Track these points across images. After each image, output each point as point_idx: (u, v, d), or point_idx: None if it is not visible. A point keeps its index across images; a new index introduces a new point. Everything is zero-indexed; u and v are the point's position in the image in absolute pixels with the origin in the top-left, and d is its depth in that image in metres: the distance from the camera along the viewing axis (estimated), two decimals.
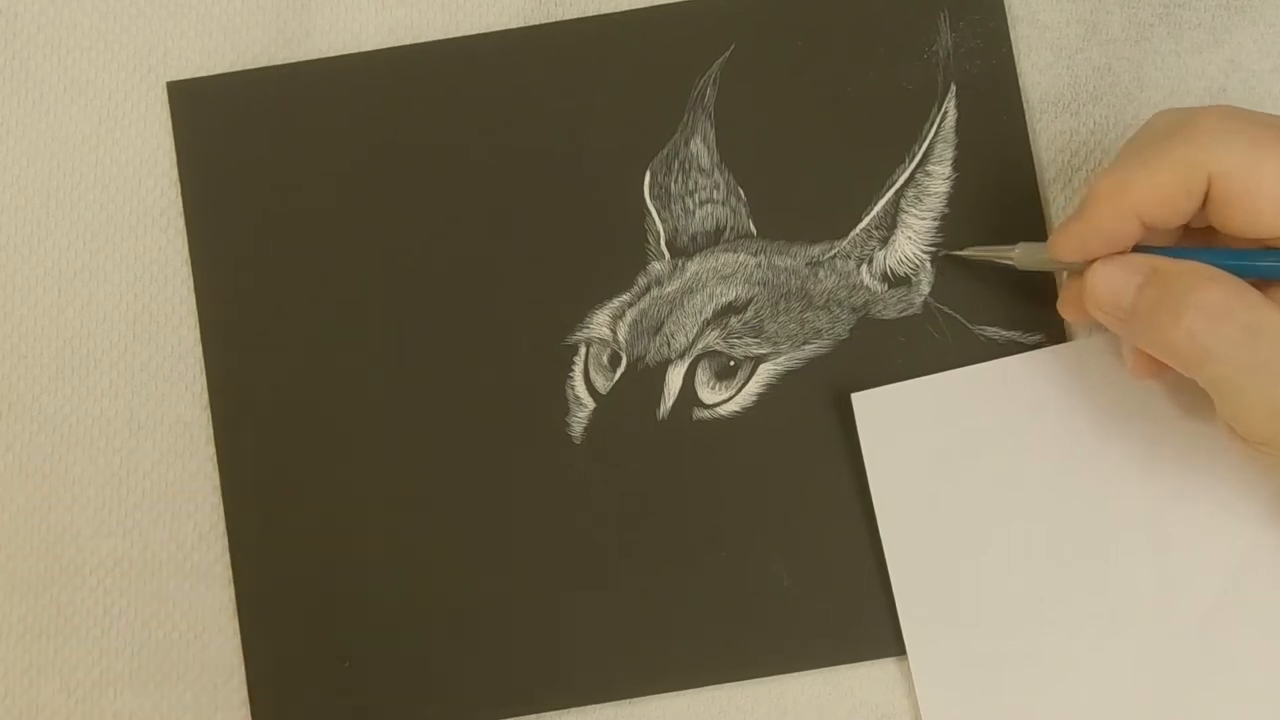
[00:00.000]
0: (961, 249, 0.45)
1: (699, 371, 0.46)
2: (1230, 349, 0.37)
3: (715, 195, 0.47)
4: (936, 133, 0.47)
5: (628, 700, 0.46)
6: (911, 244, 0.46)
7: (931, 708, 0.44)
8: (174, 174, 0.48)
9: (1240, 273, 0.38)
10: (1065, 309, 0.43)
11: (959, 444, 0.45)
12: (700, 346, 0.46)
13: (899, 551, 0.45)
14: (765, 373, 0.46)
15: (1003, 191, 0.46)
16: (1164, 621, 0.44)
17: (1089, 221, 0.40)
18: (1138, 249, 0.40)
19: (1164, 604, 0.44)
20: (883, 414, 0.45)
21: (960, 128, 0.47)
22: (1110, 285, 0.39)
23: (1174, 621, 0.44)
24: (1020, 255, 0.43)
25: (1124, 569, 0.44)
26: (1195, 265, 0.38)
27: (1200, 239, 0.40)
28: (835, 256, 0.46)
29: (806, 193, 0.47)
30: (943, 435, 0.45)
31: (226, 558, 0.46)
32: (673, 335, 0.46)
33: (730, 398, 0.46)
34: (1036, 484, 0.45)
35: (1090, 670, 0.44)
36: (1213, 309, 0.37)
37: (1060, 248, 0.41)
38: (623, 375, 0.46)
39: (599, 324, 0.46)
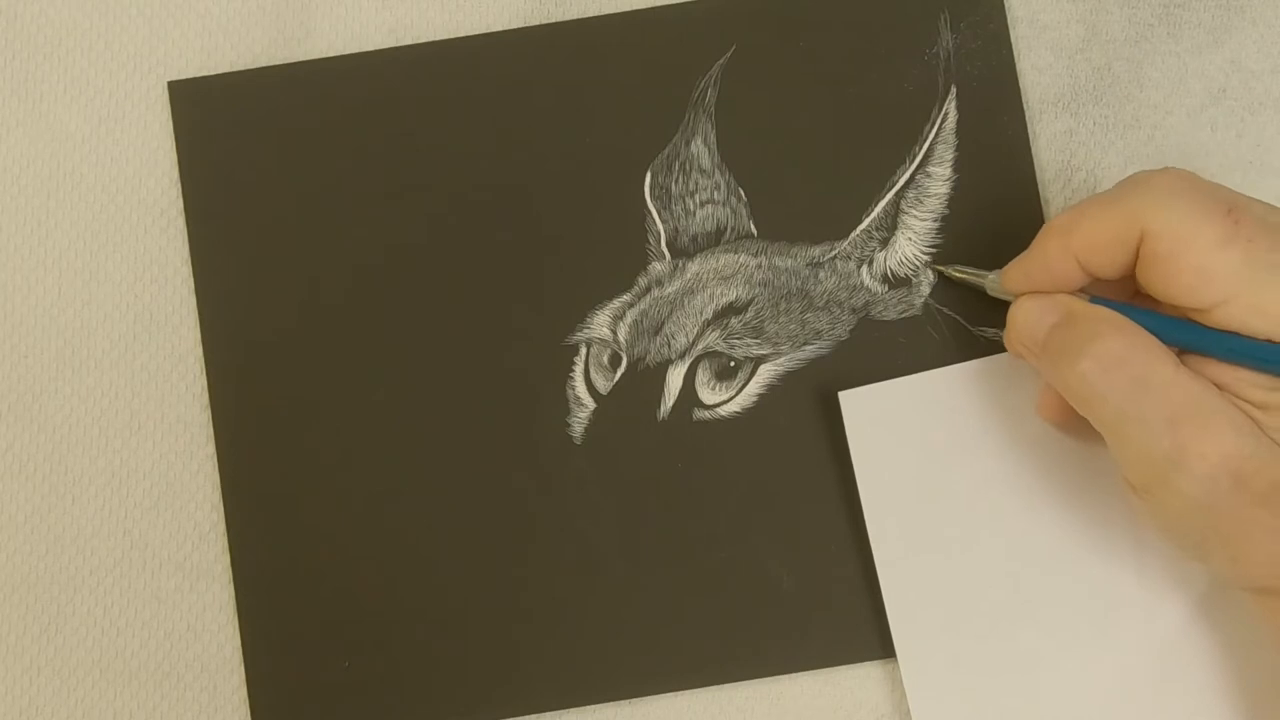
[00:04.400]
0: (947, 265, 0.46)
1: (699, 372, 0.46)
2: (1118, 396, 0.38)
3: (716, 196, 0.47)
4: (937, 134, 0.47)
5: (628, 700, 0.46)
6: (912, 245, 0.46)
7: (921, 708, 0.44)
8: (174, 174, 0.48)
9: (1169, 339, 0.39)
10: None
11: (948, 442, 0.45)
12: (700, 347, 0.46)
13: (887, 550, 0.45)
14: (765, 373, 0.46)
15: (1003, 193, 0.47)
16: (1153, 621, 0.44)
17: (1034, 256, 0.41)
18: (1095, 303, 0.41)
19: (1152, 603, 0.44)
20: (871, 412, 0.45)
21: (960, 129, 0.47)
22: (1027, 319, 0.41)
23: (1163, 621, 0.44)
24: (990, 282, 0.44)
25: (1111, 568, 0.44)
26: (1104, 311, 0.39)
27: (1150, 306, 0.40)
28: (835, 257, 0.47)
29: (807, 194, 0.47)
30: (932, 433, 0.45)
31: (226, 557, 0.46)
32: (673, 336, 0.46)
33: (730, 398, 0.46)
34: (1026, 482, 0.45)
35: (1081, 670, 0.44)
36: (1108, 356, 0.38)
37: (1009, 278, 0.42)
38: (623, 376, 0.46)
39: (599, 324, 0.46)
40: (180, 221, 0.48)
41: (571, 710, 0.46)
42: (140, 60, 0.48)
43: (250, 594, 0.46)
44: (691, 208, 0.47)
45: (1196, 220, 0.37)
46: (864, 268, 0.46)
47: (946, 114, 0.47)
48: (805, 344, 0.46)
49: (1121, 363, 0.38)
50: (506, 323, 0.47)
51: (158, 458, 0.47)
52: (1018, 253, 0.42)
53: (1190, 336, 0.38)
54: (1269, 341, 0.37)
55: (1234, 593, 0.40)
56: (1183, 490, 0.37)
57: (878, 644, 0.45)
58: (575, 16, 0.48)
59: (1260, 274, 0.37)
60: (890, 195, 0.47)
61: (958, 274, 0.45)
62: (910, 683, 0.44)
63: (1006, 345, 0.42)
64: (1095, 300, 0.40)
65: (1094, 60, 0.48)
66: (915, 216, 0.46)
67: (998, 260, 0.43)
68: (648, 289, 0.47)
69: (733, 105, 0.47)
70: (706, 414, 0.46)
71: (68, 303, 0.48)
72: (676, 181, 0.47)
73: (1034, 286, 0.41)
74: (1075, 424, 0.41)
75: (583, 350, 0.46)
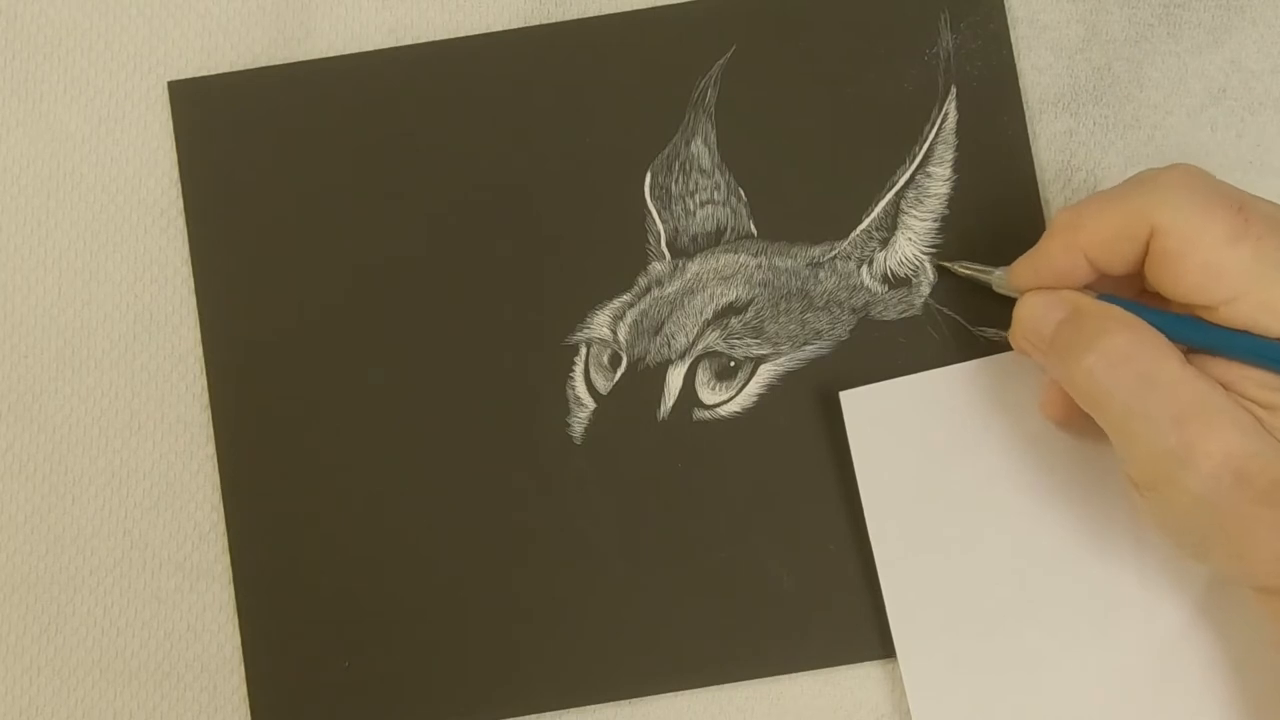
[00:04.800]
0: (953, 261, 0.46)
1: (699, 372, 0.46)
2: (1124, 393, 0.38)
3: (716, 196, 0.47)
4: (937, 134, 0.47)
5: (628, 700, 0.46)
6: (912, 245, 0.46)
7: (921, 708, 0.44)
8: (174, 174, 0.48)
9: (1176, 336, 0.39)
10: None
11: (949, 442, 0.45)
12: (701, 347, 0.46)
13: (887, 550, 0.45)
14: (765, 373, 0.46)
15: (1003, 193, 0.47)
16: (1153, 621, 0.44)
17: (1042, 252, 0.41)
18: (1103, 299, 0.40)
19: (1152, 603, 0.44)
20: (872, 412, 0.45)
21: (960, 129, 0.47)
22: (1034, 315, 0.41)
23: (1163, 621, 0.44)
24: (997, 279, 0.44)
25: (1112, 568, 0.44)
26: (1111, 308, 0.39)
27: (1159, 303, 0.40)
28: (835, 257, 0.47)
29: (807, 194, 0.47)
30: (932, 433, 0.45)
31: (226, 557, 0.46)
32: (673, 336, 0.46)
33: (730, 398, 0.46)
34: (1026, 482, 0.45)
35: (1082, 670, 0.44)
36: (1115, 353, 0.38)
37: (1016, 275, 0.42)
38: (623, 376, 0.46)
39: (599, 324, 0.46)
40: (180, 221, 0.48)
41: (571, 710, 0.46)
42: (140, 60, 0.48)
43: (250, 594, 0.46)
44: (691, 208, 0.47)
45: (1205, 217, 0.37)
46: (864, 268, 0.46)
47: (946, 114, 0.47)
48: (805, 344, 0.46)
49: (1128, 359, 0.38)
50: (507, 323, 0.47)
51: (158, 458, 0.47)
52: (1019, 253, 0.42)
53: (1198, 334, 0.38)
54: (1278, 341, 0.37)
55: (1235, 592, 0.40)
56: (1187, 488, 0.37)
57: (878, 644, 0.45)
58: (575, 16, 0.48)
59: (1269, 271, 0.37)
60: (890, 195, 0.47)
61: (963, 270, 0.45)
62: (910, 683, 0.44)
63: (1011, 341, 0.42)
64: (1103, 297, 0.40)
65: (1094, 60, 0.48)
66: (915, 216, 0.46)
67: (998, 260, 0.43)
68: (648, 289, 0.47)
69: (733, 105, 0.47)
70: (706, 414, 0.46)
71: (68, 303, 0.48)
72: (676, 181, 0.47)
73: (1041, 282, 0.41)
74: (1078, 422, 0.41)
75: (583, 350, 0.46)
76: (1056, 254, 0.40)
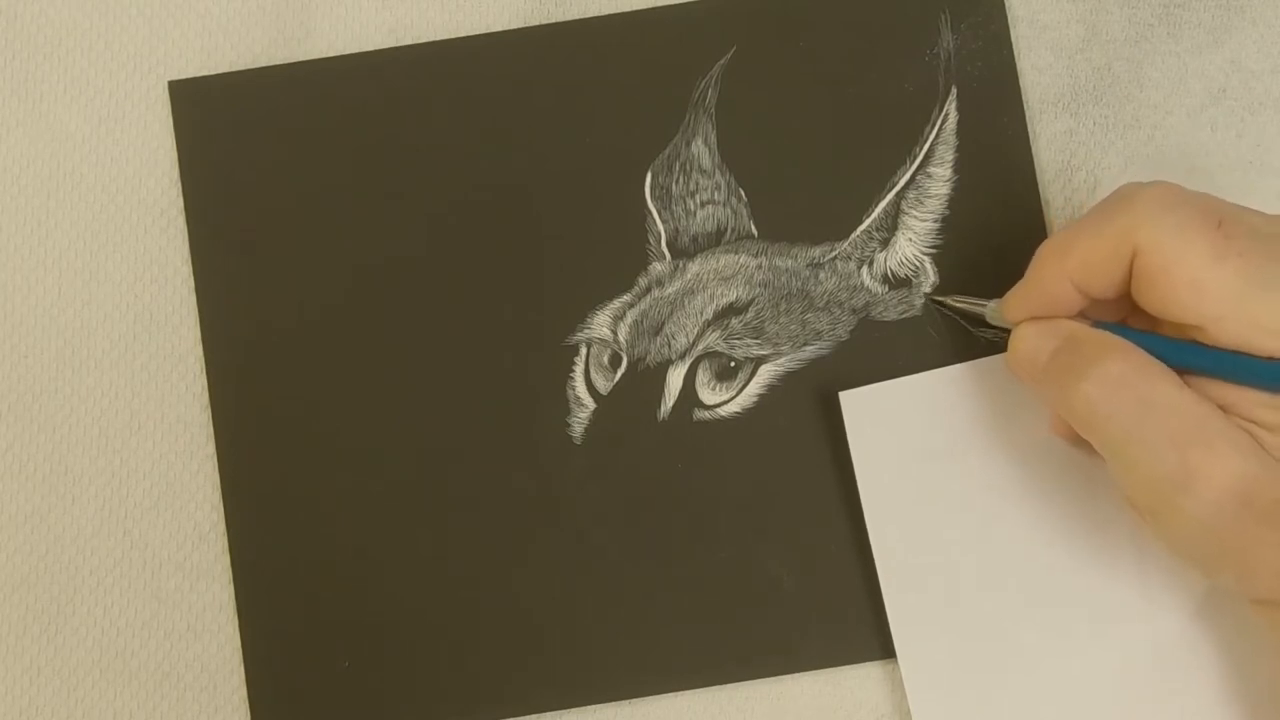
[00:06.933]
0: (947, 296, 0.46)
1: (699, 372, 0.46)
2: (1122, 418, 0.38)
3: (716, 196, 0.47)
4: (937, 135, 0.47)
5: (628, 700, 0.46)
6: (912, 245, 0.46)
7: (921, 708, 0.44)
8: (174, 174, 0.48)
9: (1172, 361, 0.38)
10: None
11: (948, 442, 0.45)
12: (701, 347, 0.46)
13: (887, 550, 0.45)
14: (766, 374, 0.46)
15: (1003, 193, 0.47)
16: (1152, 622, 0.44)
17: (1031, 283, 0.41)
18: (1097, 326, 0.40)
19: (1152, 605, 0.44)
20: (871, 412, 0.45)
21: (961, 129, 0.47)
22: (1029, 345, 0.41)
23: (1163, 623, 0.44)
24: (990, 311, 0.44)
25: (1112, 569, 0.44)
26: (1106, 335, 0.39)
27: (1149, 324, 0.40)
28: (836, 258, 0.47)
29: (807, 194, 0.47)
30: (932, 433, 0.45)
31: (226, 557, 0.46)
32: (673, 336, 0.46)
33: (731, 399, 0.46)
34: (1026, 482, 0.45)
35: (1081, 671, 0.44)
36: (1112, 378, 0.38)
37: (1009, 307, 0.42)
38: (623, 376, 0.46)
39: (600, 324, 0.46)
40: (180, 221, 0.48)
41: (571, 710, 0.46)
42: (140, 60, 0.48)
43: (250, 594, 0.46)
44: (692, 208, 0.47)
45: (1187, 235, 0.37)
46: (864, 268, 0.46)
47: (947, 114, 0.47)
48: (805, 344, 0.46)
49: (1125, 384, 0.38)
50: (507, 323, 0.47)
51: (158, 458, 0.47)
52: (1018, 254, 0.42)
53: (1193, 358, 0.38)
54: (1271, 360, 0.37)
55: (1235, 600, 0.40)
56: (1189, 512, 0.37)
57: (878, 644, 0.45)
58: (575, 16, 0.48)
59: (1252, 290, 0.36)
60: (890, 196, 0.47)
61: (958, 304, 0.45)
62: (910, 683, 0.44)
63: (1010, 370, 0.42)
64: (1097, 324, 0.40)
65: (1094, 60, 0.48)
66: (915, 217, 0.47)
67: (999, 262, 0.43)
68: (648, 289, 0.47)
69: (733, 105, 0.47)
70: (707, 414, 0.46)
71: (68, 303, 0.48)
72: (677, 182, 0.47)
73: (1033, 312, 0.41)
74: (1086, 441, 0.41)
75: (583, 350, 0.46)
76: (1046, 282, 0.40)
